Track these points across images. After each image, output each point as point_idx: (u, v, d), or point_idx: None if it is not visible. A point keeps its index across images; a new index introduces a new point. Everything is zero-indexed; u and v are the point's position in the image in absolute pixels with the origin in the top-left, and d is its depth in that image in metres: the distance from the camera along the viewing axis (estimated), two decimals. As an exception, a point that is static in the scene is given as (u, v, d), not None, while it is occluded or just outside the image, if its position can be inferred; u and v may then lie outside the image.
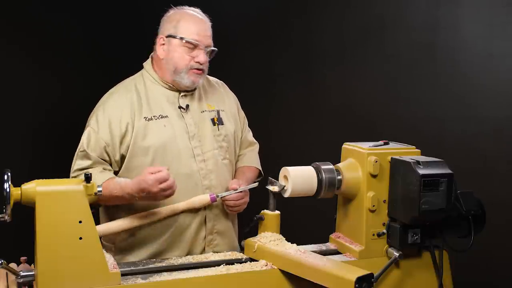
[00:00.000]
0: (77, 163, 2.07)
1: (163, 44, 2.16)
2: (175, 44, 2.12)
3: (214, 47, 2.18)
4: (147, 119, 2.10)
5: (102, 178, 2.01)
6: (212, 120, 2.21)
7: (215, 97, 2.29)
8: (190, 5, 2.25)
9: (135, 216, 2.03)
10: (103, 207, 2.15)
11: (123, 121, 2.08)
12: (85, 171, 2.02)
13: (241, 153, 2.37)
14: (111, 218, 2.14)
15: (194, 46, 2.11)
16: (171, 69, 2.13)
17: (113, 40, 4.22)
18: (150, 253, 2.09)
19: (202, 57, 2.11)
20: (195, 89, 2.22)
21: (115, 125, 2.07)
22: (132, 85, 2.18)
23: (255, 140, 2.45)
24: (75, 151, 2.10)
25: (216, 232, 2.17)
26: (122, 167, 2.09)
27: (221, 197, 2.10)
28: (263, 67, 4.05)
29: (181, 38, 2.10)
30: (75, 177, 2.05)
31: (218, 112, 2.25)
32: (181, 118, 2.15)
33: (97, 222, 1.59)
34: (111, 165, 2.09)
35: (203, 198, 2.08)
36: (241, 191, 2.12)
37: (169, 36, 2.13)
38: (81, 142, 2.09)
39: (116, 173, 2.10)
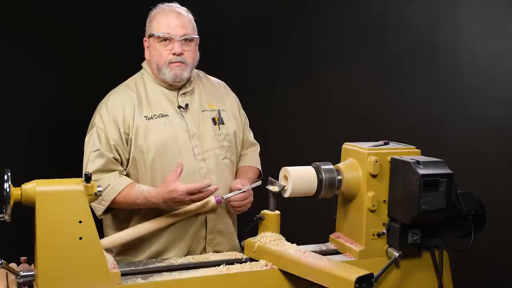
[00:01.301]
0: (89, 166, 2.05)
1: (148, 46, 2.19)
2: (153, 42, 2.15)
3: (197, 35, 2.18)
4: (147, 118, 2.11)
5: (122, 184, 2.03)
6: (213, 119, 2.22)
7: (216, 97, 2.30)
8: (190, 4, 2.26)
9: (143, 225, 2.03)
10: (111, 214, 2.15)
11: (126, 120, 2.09)
12: (102, 174, 2.03)
13: (242, 153, 2.37)
14: (118, 225, 2.15)
15: (168, 40, 2.12)
16: (155, 67, 2.16)
17: (113, 40, 4.22)
18: (150, 253, 2.10)
19: (176, 48, 2.11)
20: (192, 86, 2.22)
21: (120, 124, 2.08)
22: (132, 85, 2.20)
23: (256, 141, 2.46)
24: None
25: (216, 231, 2.18)
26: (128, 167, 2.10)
27: (226, 199, 2.10)
28: (263, 67, 4.05)
29: (155, 35, 2.13)
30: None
31: (219, 111, 2.25)
32: (181, 117, 2.16)
33: (98, 225, 1.57)
34: (121, 164, 2.10)
35: (209, 201, 2.08)
36: (245, 191, 2.12)
37: (149, 36, 2.17)
38: (90, 143, 2.08)
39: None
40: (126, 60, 2.94)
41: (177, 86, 2.19)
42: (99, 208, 2.04)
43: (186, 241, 2.12)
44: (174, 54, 2.11)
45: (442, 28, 3.01)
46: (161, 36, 2.11)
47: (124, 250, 2.11)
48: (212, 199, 2.08)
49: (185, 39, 2.13)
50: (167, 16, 2.15)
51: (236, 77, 2.71)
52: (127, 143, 2.09)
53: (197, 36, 2.19)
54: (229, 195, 2.11)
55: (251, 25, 4.06)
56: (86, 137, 2.12)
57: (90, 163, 2.05)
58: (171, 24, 2.12)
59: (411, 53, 3.16)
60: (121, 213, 2.13)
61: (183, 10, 2.20)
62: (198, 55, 2.22)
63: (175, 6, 2.21)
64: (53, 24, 3.98)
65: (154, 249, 2.10)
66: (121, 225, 2.15)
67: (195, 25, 2.21)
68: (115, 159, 2.07)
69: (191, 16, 2.21)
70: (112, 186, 2.02)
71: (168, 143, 2.10)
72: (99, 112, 2.12)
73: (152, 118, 2.11)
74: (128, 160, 2.10)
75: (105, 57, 4.20)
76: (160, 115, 2.13)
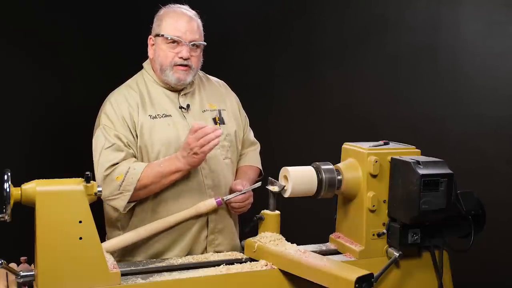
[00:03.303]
0: (108, 159, 2.01)
1: (153, 44, 2.18)
2: (160, 42, 2.14)
3: (204, 42, 2.18)
4: (152, 117, 2.11)
5: (142, 164, 2.02)
6: (214, 119, 2.22)
7: (216, 97, 2.30)
8: (191, 5, 2.25)
9: (142, 229, 2.02)
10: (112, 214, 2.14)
11: (132, 117, 2.09)
12: (118, 165, 2.01)
13: (242, 152, 2.37)
14: (118, 225, 2.15)
15: (176, 42, 2.11)
16: (158, 67, 2.15)
17: (113, 41, 4.23)
18: (150, 254, 2.10)
19: (184, 52, 2.11)
20: (193, 87, 2.22)
21: (128, 120, 2.08)
22: (134, 84, 2.20)
23: (256, 140, 2.46)
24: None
25: (218, 232, 2.18)
26: None
27: (226, 200, 2.10)
28: (263, 67, 4.05)
29: (163, 36, 2.12)
30: (108, 175, 2.01)
31: (219, 111, 2.25)
32: (183, 117, 2.16)
33: (98, 225, 1.57)
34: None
35: (209, 203, 2.08)
36: (245, 192, 2.12)
37: (156, 35, 2.16)
38: (100, 140, 2.05)
39: None
40: (126, 60, 2.94)
41: (178, 88, 2.19)
42: (124, 197, 2.00)
43: (187, 241, 2.12)
44: (181, 58, 2.11)
45: (442, 28, 3.01)
46: (170, 38, 2.11)
47: (124, 251, 2.11)
48: (212, 201, 2.08)
49: (193, 45, 2.13)
50: (178, 18, 2.13)
51: (237, 78, 2.71)
52: (135, 138, 2.09)
53: (204, 43, 2.19)
54: (229, 196, 2.11)
55: (252, 26, 4.07)
56: (94, 138, 2.10)
57: (105, 157, 2.02)
58: (181, 28, 2.11)
59: (411, 53, 3.17)
60: (121, 214, 2.12)
61: (193, 14, 2.19)
62: (202, 61, 2.22)
63: (186, 9, 2.20)
64: (53, 24, 3.98)
65: (155, 249, 2.10)
66: (121, 224, 2.15)
67: (202, 31, 2.20)
68: (132, 154, 2.07)
69: (200, 22, 2.20)
70: (134, 167, 2.00)
71: (172, 144, 2.10)
72: (104, 111, 2.11)
73: (156, 117, 2.12)
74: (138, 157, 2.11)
75: (105, 57, 4.20)
76: (164, 115, 2.13)
